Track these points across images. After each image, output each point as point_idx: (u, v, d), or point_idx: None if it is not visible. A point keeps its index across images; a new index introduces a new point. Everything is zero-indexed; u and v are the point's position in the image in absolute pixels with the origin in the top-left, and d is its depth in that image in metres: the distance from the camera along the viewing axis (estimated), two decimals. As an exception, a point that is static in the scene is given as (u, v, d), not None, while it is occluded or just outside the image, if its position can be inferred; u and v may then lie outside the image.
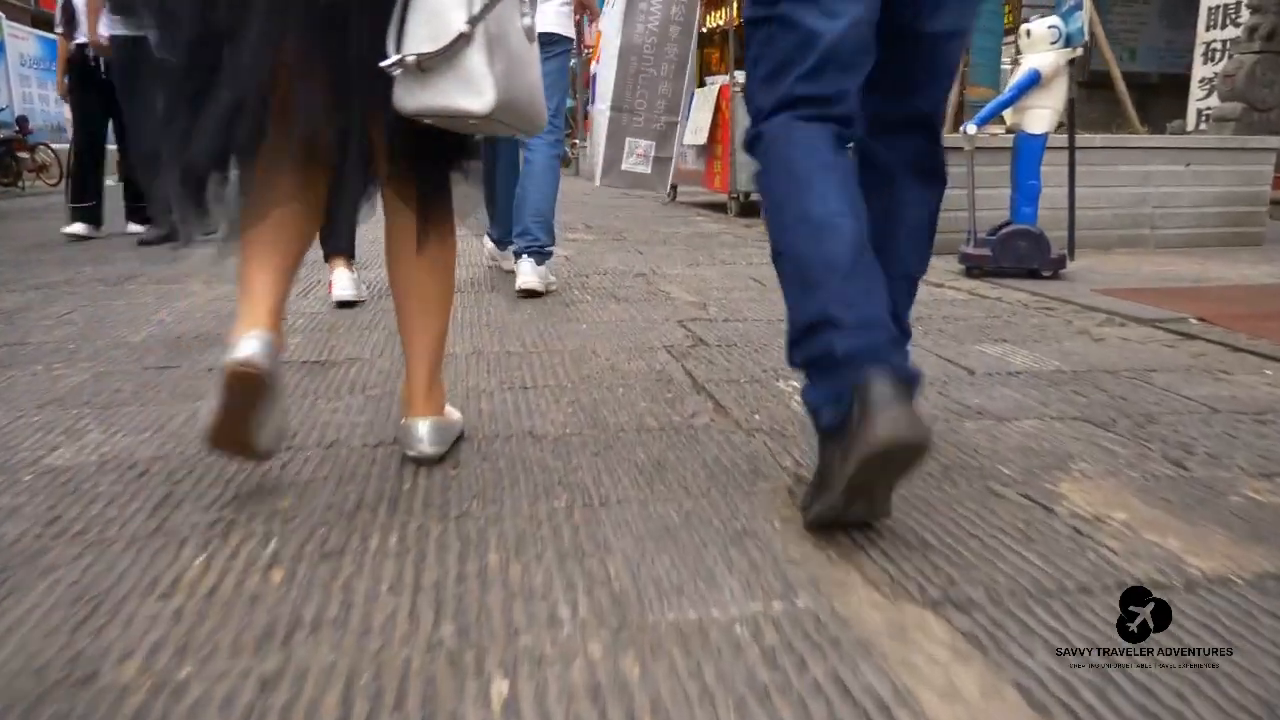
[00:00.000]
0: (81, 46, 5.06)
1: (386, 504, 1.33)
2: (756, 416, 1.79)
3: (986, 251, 3.65)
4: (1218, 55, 7.88)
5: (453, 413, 1.64)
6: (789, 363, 1.30)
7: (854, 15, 1.27)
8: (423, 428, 1.50)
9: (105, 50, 4.80)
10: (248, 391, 1.25)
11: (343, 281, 3.07)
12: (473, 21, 1.21)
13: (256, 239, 1.34)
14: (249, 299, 1.32)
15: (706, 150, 7.16)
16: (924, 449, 1.11)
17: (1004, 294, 3.31)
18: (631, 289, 3.37)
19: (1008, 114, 3.67)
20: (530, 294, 3.16)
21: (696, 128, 7.06)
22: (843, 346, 1.17)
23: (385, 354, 2.31)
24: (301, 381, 2.04)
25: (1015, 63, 6.30)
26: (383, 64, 1.22)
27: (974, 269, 3.68)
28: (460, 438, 1.63)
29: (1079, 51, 3.57)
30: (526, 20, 1.34)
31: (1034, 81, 3.51)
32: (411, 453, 1.50)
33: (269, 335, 1.28)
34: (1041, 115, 3.57)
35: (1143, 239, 4.64)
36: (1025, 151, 3.62)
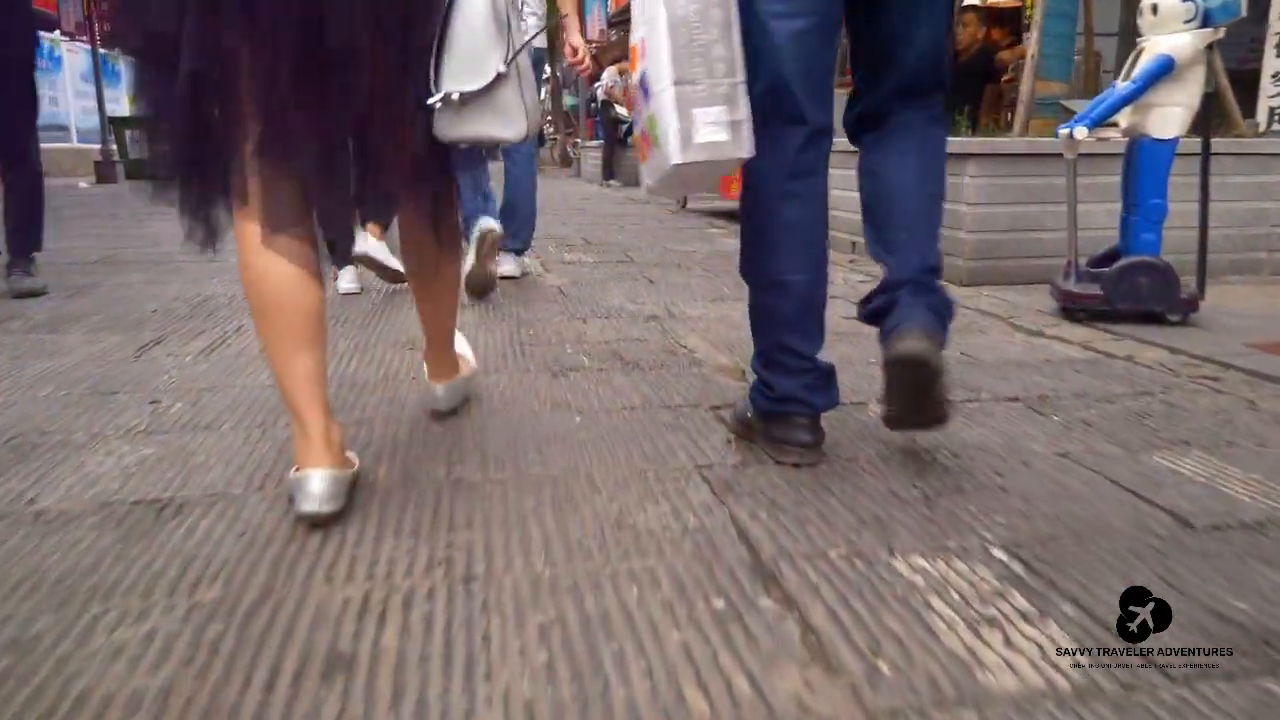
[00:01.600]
0: None
1: None
2: (879, 661, 0.98)
3: (1096, 290, 2.84)
4: (1294, 47, 7.03)
5: (467, 363, 1.95)
6: (752, 363, 1.70)
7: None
8: (440, 389, 1.82)
9: None
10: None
11: (348, 275, 3.30)
12: (508, 63, 1.41)
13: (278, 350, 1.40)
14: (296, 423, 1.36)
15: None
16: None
17: (1134, 351, 2.50)
18: (643, 345, 2.55)
19: (1124, 114, 2.85)
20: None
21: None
22: (781, 386, 1.63)
23: (268, 484, 1.49)
24: (104, 555, 1.23)
25: (1102, 56, 5.42)
26: (429, 100, 1.39)
27: (1078, 311, 2.87)
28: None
29: (1221, 33, 2.76)
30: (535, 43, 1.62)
31: (1166, 70, 2.69)
32: (433, 406, 1.83)
33: (334, 473, 1.33)
34: (1172, 115, 2.75)
35: (1258, 264, 3.83)
36: (1148, 161, 2.80)
